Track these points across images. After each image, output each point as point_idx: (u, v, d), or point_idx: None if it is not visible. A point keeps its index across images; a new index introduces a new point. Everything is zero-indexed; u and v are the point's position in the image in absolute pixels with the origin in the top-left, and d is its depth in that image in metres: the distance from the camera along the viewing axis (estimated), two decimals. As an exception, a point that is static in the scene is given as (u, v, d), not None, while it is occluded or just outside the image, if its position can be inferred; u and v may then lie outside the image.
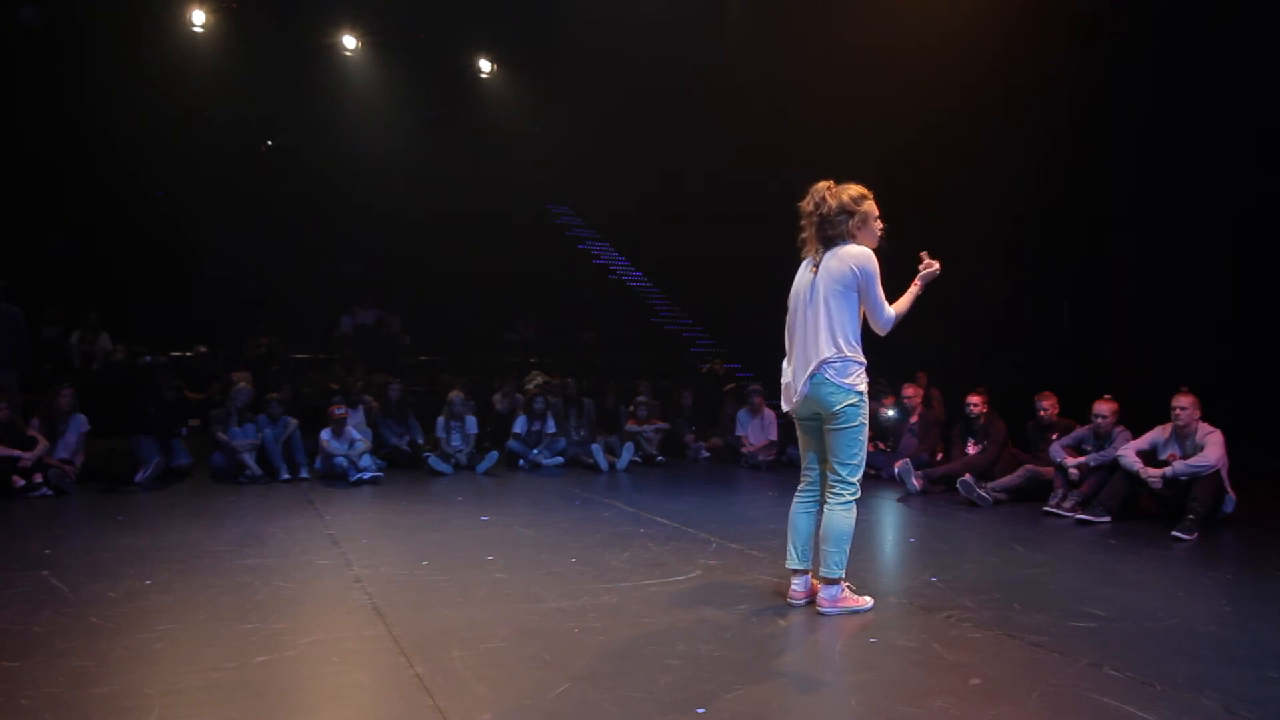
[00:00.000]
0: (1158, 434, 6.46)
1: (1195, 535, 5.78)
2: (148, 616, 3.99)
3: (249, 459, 8.47)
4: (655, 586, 4.49)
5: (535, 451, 9.72)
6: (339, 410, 8.68)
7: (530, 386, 10.83)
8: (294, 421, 8.84)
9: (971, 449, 7.90)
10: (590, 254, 18.55)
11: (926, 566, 5.02)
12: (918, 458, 8.18)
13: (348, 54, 16.71)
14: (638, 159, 16.44)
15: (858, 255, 3.90)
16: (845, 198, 3.95)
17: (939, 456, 8.50)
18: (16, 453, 7.56)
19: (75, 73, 14.43)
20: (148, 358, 11.40)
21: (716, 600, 4.22)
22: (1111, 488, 6.44)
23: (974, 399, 7.90)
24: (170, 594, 4.38)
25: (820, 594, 3.99)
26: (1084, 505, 6.55)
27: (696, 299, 16.71)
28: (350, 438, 8.64)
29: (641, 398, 10.59)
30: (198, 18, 15.39)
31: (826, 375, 3.87)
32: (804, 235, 4.05)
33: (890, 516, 6.97)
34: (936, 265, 4.14)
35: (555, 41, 16.12)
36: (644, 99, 15.77)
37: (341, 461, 8.46)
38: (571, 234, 19.04)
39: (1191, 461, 6.12)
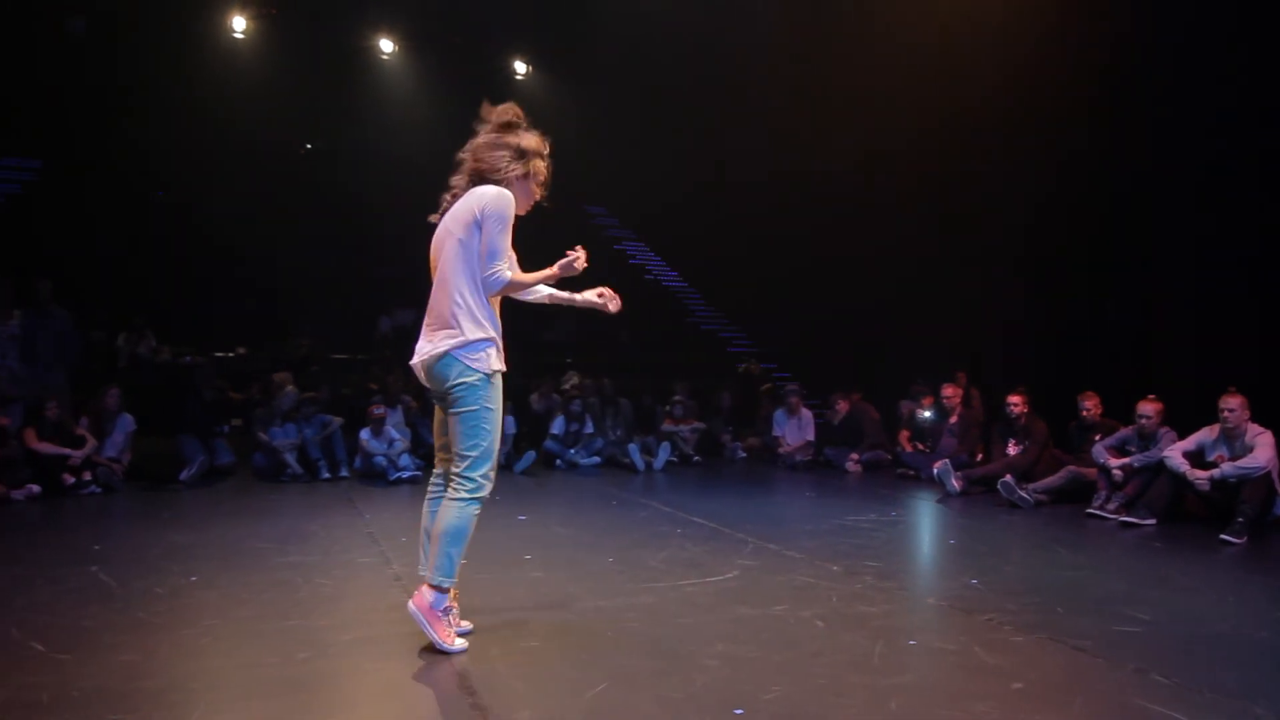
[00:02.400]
0: (1205, 435, 6.33)
1: (1245, 539, 5.66)
2: (193, 612, 4.06)
3: (290, 458, 8.59)
4: (692, 586, 4.49)
5: (572, 451, 9.76)
6: (378, 410, 8.77)
7: (567, 387, 10.87)
8: (337, 420, 8.94)
9: (1012, 449, 7.80)
10: (626, 254, 18.58)
11: (966, 568, 4.96)
12: (957, 458, 8.09)
13: (385, 57, 16.88)
14: (673, 159, 16.43)
15: (487, 195, 3.34)
16: (523, 140, 3.47)
17: (979, 457, 8.40)
18: (67, 451, 7.75)
19: (122, 80, 14.73)
20: (188, 358, 11.59)
21: (754, 601, 4.20)
22: (1157, 489, 6.33)
23: (1014, 399, 7.80)
24: (214, 590, 4.45)
25: (420, 592, 3.41)
26: (1128, 507, 6.44)
27: (733, 299, 16.67)
28: (389, 437, 8.73)
29: (678, 398, 10.58)
30: (238, 24, 15.63)
31: (440, 342, 3.35)
32: (461, 155, 3.52)
33: (929, 518, 6.90)
34: (583, 259, 3.45)
35: (589, 42, 16.16)
36: (679, 98, 15.76)
37: (381, 461, 8.55)
38: (608, 234, 19.08)
39: (1241, 463, 6.00)
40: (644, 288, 17.49)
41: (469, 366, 3.33)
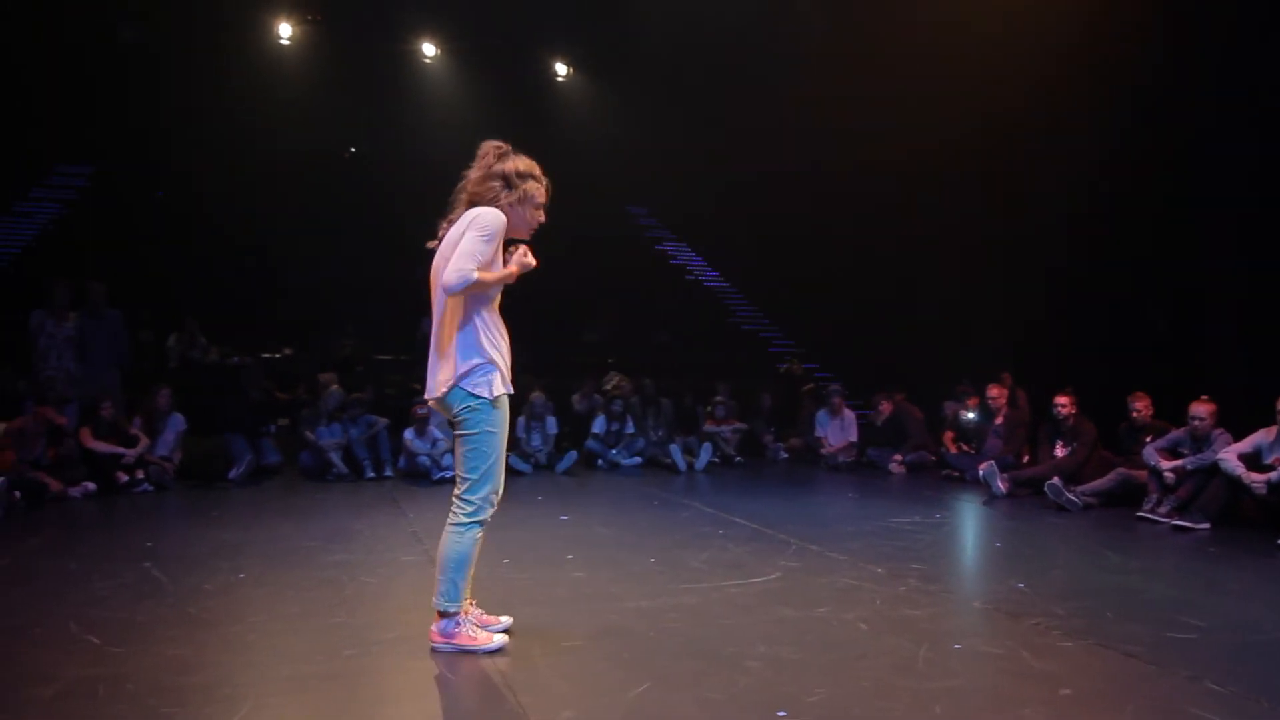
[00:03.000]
0: (1261, 437, 6.17)
1: (1303, 543, 5.51)
2: (241, 608, 4.14)
3: (335, 458, 8.70)
4: (735, 588, 4.47)
5: (614, 451, 9.78)
6: (422, 410, 8.85)
7: (609, 387, 10.88)
8: (382, 421, 9.05)
9: (1060, 451, 7.67)
10: (667, 254, 18.57)
11: (1013, 572, 4.88)
12: (1003, 460, 7.96)
13: (427, 61, 17.04)
14: (714, 159, 16.38)
15: (477, 212, 3.35)
16: (509, 165, 3.45)
17: (1025, 459, 8.27)
18: (121, 450, 7.93)
19: (171, 88, 15.04)
20: (236, 359, 11.79)
21: (797, 602, 4.18)
22: (1211, 492, 6.18)
23: (1062, 399, 7.67)
24: (263, 587, 4.53)
25: (434, 626, 3.50)
26: (1181, 510, 6.30)
27: (774, 298, 16.59)
28: (433, 437, 8.81)
29: (719, 398, 10.55)
30: (284, 31, 15.88)
31: (447, 374, 3.39)
32: (458, 194, 3.52)
33: (974, 520, 6.81)
34: (531, 256, 3.47)
35: (630, 43, 16.17)
36: (719, 98, 15.71)
37: (424, 460, 8.63)
38: (649, 235, 19.10)
39: (1299, 466, 5.84)
40: (685, 288, 17.49)
41: (472, 394, 3.37)
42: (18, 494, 6.88)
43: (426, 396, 3.52)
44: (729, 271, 18.01)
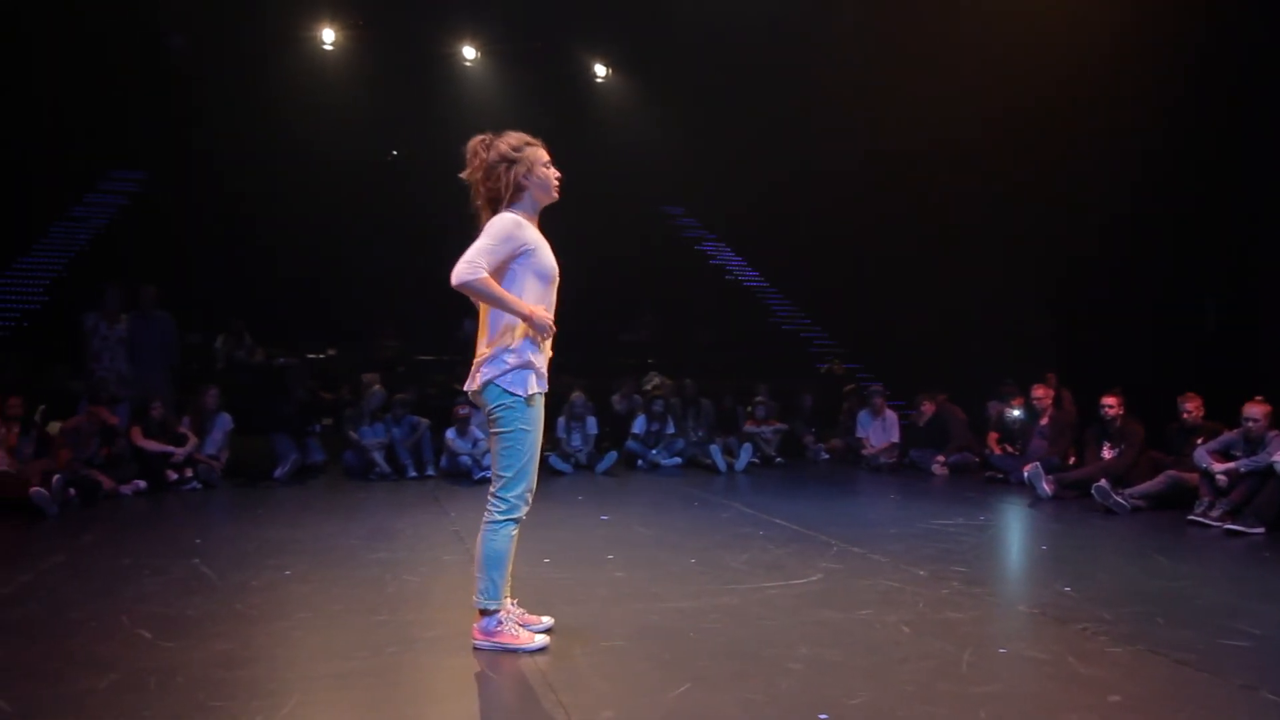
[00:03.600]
0: (1319, 439, 6.01)
1: (1362, 548, 5.36)
2: (287, 605, 4.20)
3: (378, 457, 8.80)
4: (775, 589, 4.45)
5: (654, 452, 9.78)
6: (463, 410, 8.93)
7: (649, 387, 10.89)
8: (425, 422, 9.13)
9: (1107, 452, 7.54)
10: (706, 254, 18.53)
11: (1059, 575, 4.80)
12: (1048, 461, 7.84)
13: (467, 64, 17.17)
14: (753, 158, 16.31)
15: (493, 220, 3.37)
16: (504, 146, 3.43)
17: (1071, 460, 8.14)
18: (170, 448, 8.10)
19: (218, 93, 15.31)
20: (281, 360, 11.98)
21: (838, 604, 4.15)
22: (1266, 496, 6.03)
23: (1109, 400, 7.54)
24: (308, 584, 4.60)
25: (475, 625, 3.53)
26: (1234, 514, 6.15)
27: (815, 298, 16.48)
28: (474, 436, 8.88)
29: (760, 398, 10.51)
30: (328, 36, 16.10)
31: (484, 371, 3.41)
32: (476, 204, 3.51)
33: (1019, 522, 6.71)
34: (550, 327, 3.44)
35: (669, 43, 16.16)
36: (757, 97, 15.64)
37: (466, 460, 8.71)
38: (688, 235, 19.07)
39: (1358, 469, 5.68)
40: (725, 288, 17.44)
41: (506, 391, 3.38)
42: (73, 491, 7.06)
43: (465, 388, 3.54)
44: (769, 271, 17.93)
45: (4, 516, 6.60)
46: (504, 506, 3.44)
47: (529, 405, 3.42)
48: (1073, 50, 9.99)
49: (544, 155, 3.50)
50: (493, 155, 3.43)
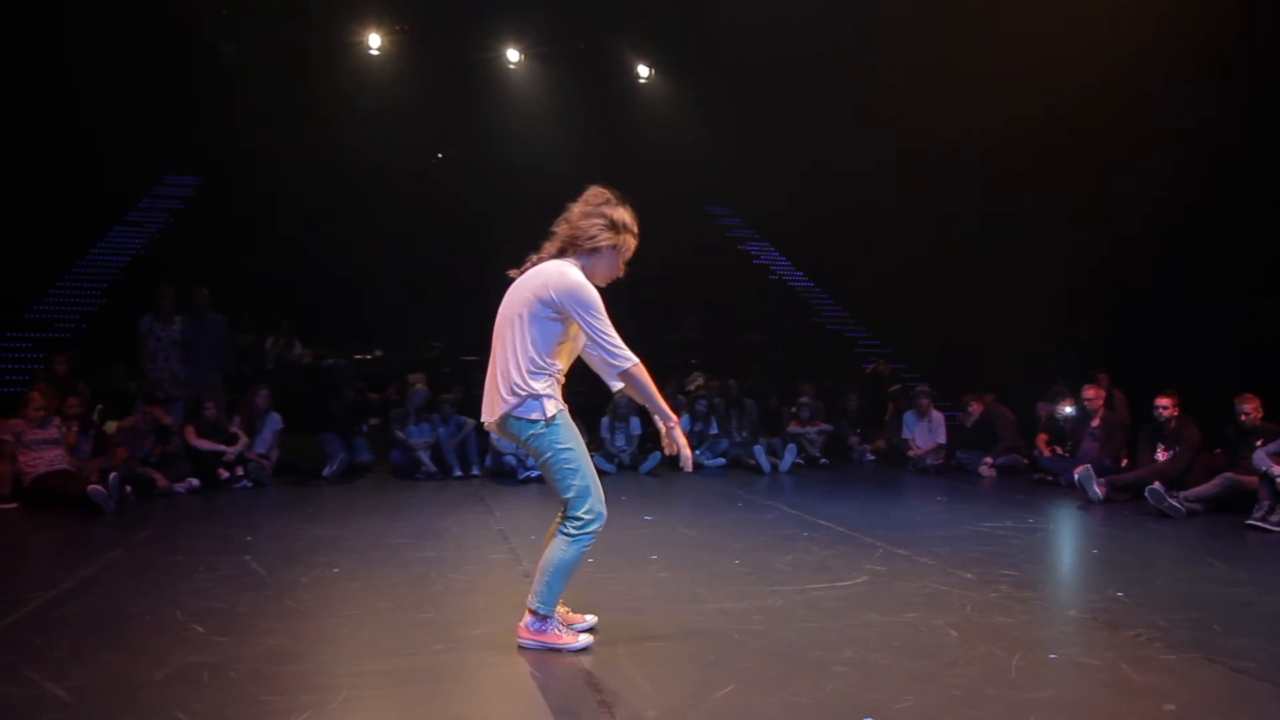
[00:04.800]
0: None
1: None
2: (335, 602, 4.27)
3: (424, 456, 8.89)
4: (820, 591, 4.42)
5: (698, 452, 9.76)
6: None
7: (692, 387, 10.87)
8: (471, 422, 9.21)
9: (1161, 455, 7.37)
10: (750, 254, 18.46)
11: (1111, 580, 4.71)
12: (1099, 463, 7.69)
13: (511, 67, 17.30)
14: (796, 158, 16.24)
15: (566, 281, 3.37)
16: (616, 213, 3.48)
17: (1123, 463, 7.97)
18: (222, 447, 8.26)
19: (268, 99, 15.61)
20: (329, 360, 12.16)
21: (884, 607, 4.11)
22: (1328, 500, 5.86)
23: (1164, 401, 7.37)
24: (355, 582, 4.66)
25: (523, 623, 3.54)
26: (1294, 519, 5.98)
27: (859, 298, 16.35)
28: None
29: (804, 399, 10.44)
30: (374, 41, 16.32)
31: (498, 407, 3.45)
32: (555, 229, 3.56)
33: (1069, 526, 6.59)
34: (686, 453, 3.52)
35: (712, 44, 16.13)
36: (800, 97, 15.56)
37: (511, 460, 8.75)
38: (731, 235, 19.02)
39: None
40: (769, 288, 17.36)
41: (527, 421, 3.42)
42: (129, 488, 7.23)
43: (482, 420, 3.57)
44: (813, 270, 17.82)
45: (65, 513, 6.78)
46: (578, 524, 3.44)
47: (557, 423, 3.43)
48: (1120, 39, 9.79)
49: (630, 252, 3.57)
50: (606, 209, 3.49)
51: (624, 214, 3.53)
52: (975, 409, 9.75)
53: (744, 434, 10.09)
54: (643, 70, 18.18)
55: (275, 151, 15.83)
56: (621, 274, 3.61)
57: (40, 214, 13.28)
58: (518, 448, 8.73)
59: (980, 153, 11.95)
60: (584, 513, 3.43)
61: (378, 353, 13.11)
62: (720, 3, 14.69)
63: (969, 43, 11.71)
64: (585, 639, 3.52)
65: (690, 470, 3.55)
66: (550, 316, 3.41)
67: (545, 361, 3.44)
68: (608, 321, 3.42)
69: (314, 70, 15.86)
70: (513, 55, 17.16)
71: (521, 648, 3.50)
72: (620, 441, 9.59)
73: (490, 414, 3.51)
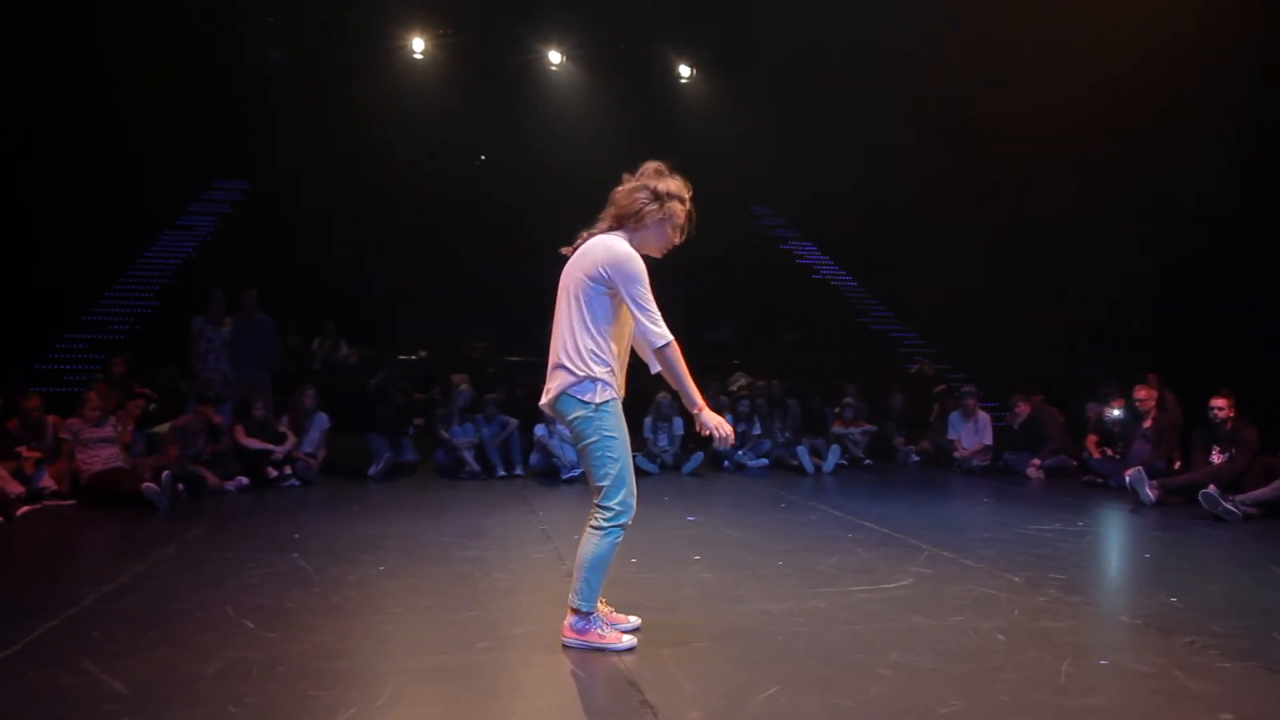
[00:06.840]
0: None
1: None
2: (381, 600, 4.32)
3: (468, 456, 8.96)
4: (864, 593, 4.38)
5: (740, 453, 9.73)
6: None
7: (735, 388, 10.84)
8: (514, 422, 9.26)
9: (1217, 457, 7.20)
10: (793, 254, 18.36)
11: (1164, 585, 4.60)
12: (1152, 465, 7.53)
13: (553, 68, 17.38)
14: (839, 157, 16.11)
15: (615, 253, 3.40)
16: (661, 183, 3.49)
17: (1176, 465, 7.79)
18: (270, 446, 8.40)
19: (314, 104, 15.85)
20: (378, 377, 12.31)
21: (929, 610, 4.06)
22: (1392, 504, 5.68)
23: (1219, 402, 7.19)
24: (400, 580, 4.71)
25: (566, 622, 3.55)
26: (1357, 523, 5.81)
27: (904, 297, 16.18)
28: (563, 434, 8.95)
29: (848, 399, 10.35)
30: (417, 45, 16.50)
31: (556, 383, 3.46)
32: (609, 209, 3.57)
33: (1120, 529, 6.46)
34: (725, 430, 3.45)
35: (754, 43, 16.07)
36: (844, 97, 15.43)
37: (557, 458, 8.73)
38: (774, 235, 18.93)
39: None
40: (812, 288, 17.25)
41: (580, 401, 3.42)
42: (181, 486, 7.39)
43: (540, 404, 3.60)
44: (857, 270, 17.68)
45: (119, 510, 6.95)
46: (609, 514, 3.46)
47: (607, 410, 3.44)
48: (1168, 29, 9.59)
49: (680, 218, 3.54)
50: (650, 181, 3.51)
51: (669, 183, 3.53)
52: (1022, 409, 9.59)
53: (787, 434, 10.03)
54: (684, 70, 18.17)
55: (321, 156, 16.06)
56: (678, 240, 3.59)
57: (97, 219, 13.61)
58: (562, 445, 8.82)
59: (1026, 155, 11.76)
60: (616, 503, 3.45)
61: (422, 353, 13.25)
62: (762, 2, 14.62)
63: (1016, 37, 11.53)
64: (629, 639, 3.53)
65: (731, 445, 3.50)
66: (604, 292, 3.43)
67: (602, 343, 3.45)
68: (650, 297, 3.42)
69: (359, 75, 16.08)
70: (554, 57, 17.25)
71: (566, 647, 3.52)
72: (663, 442, 9.59)
73: (547, 394, 3.53)
